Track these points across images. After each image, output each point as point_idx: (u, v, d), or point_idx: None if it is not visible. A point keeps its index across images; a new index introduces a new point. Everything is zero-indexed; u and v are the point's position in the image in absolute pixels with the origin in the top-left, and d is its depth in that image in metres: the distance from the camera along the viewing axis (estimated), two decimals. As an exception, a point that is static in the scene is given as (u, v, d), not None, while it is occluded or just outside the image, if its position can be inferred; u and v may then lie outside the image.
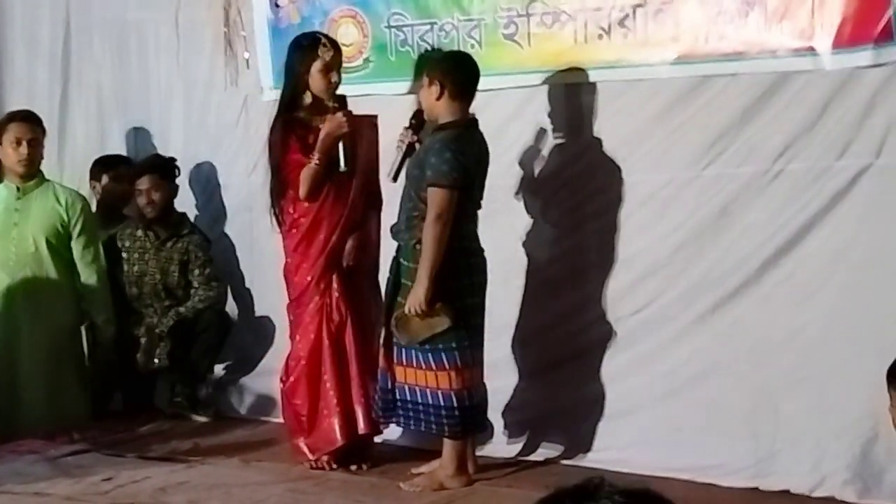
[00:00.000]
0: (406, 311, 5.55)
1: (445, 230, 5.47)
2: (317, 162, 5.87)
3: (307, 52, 5.99)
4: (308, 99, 5.99)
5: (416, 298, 5.49)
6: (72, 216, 6.96)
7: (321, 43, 6.00)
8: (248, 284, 7.24)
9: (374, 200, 6.11)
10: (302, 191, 5.92)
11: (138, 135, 7.64)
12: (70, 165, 7.76)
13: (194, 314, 7.06)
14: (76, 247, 6.99)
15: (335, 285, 6.00)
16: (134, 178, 7.22)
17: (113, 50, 7.67)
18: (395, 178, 5.79)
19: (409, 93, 6.34)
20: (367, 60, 6.55)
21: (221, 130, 7.28)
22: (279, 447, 6.30)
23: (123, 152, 7.63)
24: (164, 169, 7.17)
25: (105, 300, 7.01)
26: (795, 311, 5.44)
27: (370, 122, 6.08)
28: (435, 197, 5.48)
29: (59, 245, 6.96)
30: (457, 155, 5.47)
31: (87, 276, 6.98)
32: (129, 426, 6.87)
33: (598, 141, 5.94)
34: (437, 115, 5.65)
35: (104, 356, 7.00)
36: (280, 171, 5.99)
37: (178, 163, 7.22)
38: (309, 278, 6.02)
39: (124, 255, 7.23)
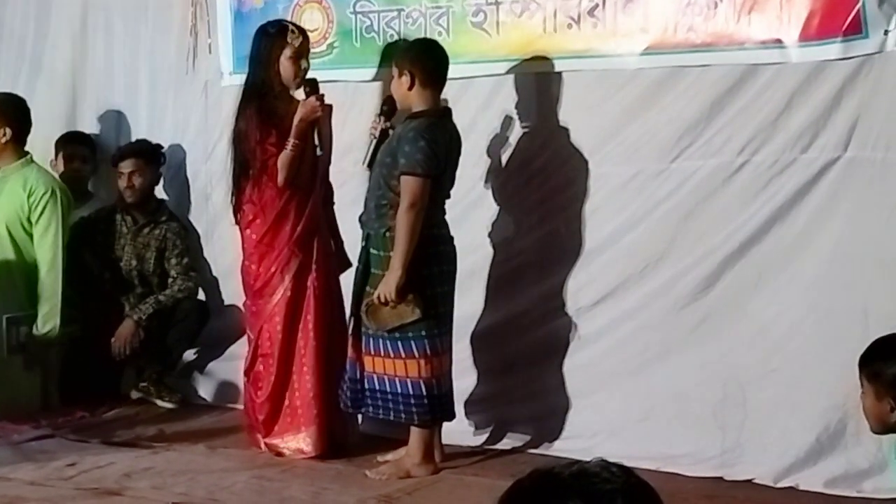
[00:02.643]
0: (376, 299, 5.55)
1: (419, 219, 5.46)
2: (293, 147, 5.84)
3: (275, 39, 5.93)
4: (279, 87, 5.95)
5: (388, 287, 5.48)
6: (32, 203, 6.84)
7: (289, 30, 5.96)
8: (213, 271, 7.20)
9: (330, 186, 6.14)
10: (281, 178, 5.86)
11: (104, 117, 7.57)
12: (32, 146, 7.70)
13: (173, 303, 7.00)
14: (35, 234, 6.89)
15: (314, 273, 5.98)
16: (118, 160, 7.12)
17: (77, 31, 7.58)
18: (369, 166, 5.76)
19: (375, 80, 6.34)
20: (331, 46, 6.52)
21: (183, 115, 7.23)
22: (245, 434, 6.28)
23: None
24: (150, 154, 7.08)
25: (50, 293, 6.86)
26: (763, 304, 5.48)
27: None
28: (408, 185, 5.46)
29: (16, 231, 6.87)
30: (430, 144, 5.46)
31: (40, 265, 6.87)
32: (95, 411, 6.85)
33: (566, 131, 5.95)
34: (409, 104, 5.63)
35: (34, 348, 6.88)
36: (253, 159, 5.90)
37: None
38: (274, 268, 5.98)
39: (99, 237, 7.15)
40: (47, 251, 6.87)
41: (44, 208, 6.86)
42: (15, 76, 7.77)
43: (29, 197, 6.84)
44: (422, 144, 5.45)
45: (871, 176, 5.21)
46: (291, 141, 5.83)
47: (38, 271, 6.86)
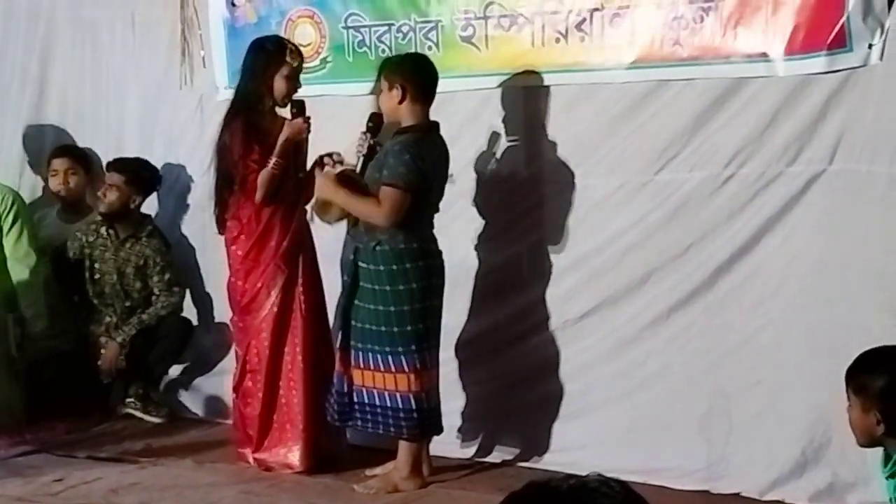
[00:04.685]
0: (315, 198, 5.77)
1: (388, 224, 5.47)
2: (274, 166, 5.85)
3: (274, 56, 5.92)
4: (270, 103, 5.95)
5: (324, 194, 5.69)
6: (3, 212, 6.90)
7: (288, 48, 5.96)
8: (206, 286, 7.16)
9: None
10: (259, 195, 5.87)
11: (92, 132, 7.54)
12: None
13: (157, 321, 6.98)
14: (7, 242, 6.93)
15: (300, 288, 5.98)
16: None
17: (68, 47, 7.55)
18: None
19: (371, 93, 6.34)
20: (324, 61, 6.53)
21: (177, 129, 7.21)
22: (232, 448, 6.27)
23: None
24: (128, 173, 6.99)
25: (35, 295, 6.92)
26: (749, 316, 5.49)
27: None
28: (388, 194, 5.45)
29: None
30: (416, 159, 5.46)
31: (19, 271, 6.91)
32: (82, 426, 6.82)
33: (554, 144, 5.95)
34: (398, 118, 5.63)
35: (32, 350, 6.94)
36: (236, 173, 5.91)
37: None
38: (259, 284, 5.98)
39: (87, 250, 7.13)
40: (24, 255, 6.94)
41: (15, 215, 6.95)
42: (3, 93, 7.77)
43: None
44: (406, 158, 5.45)
45: (855, 188, 5.20)
46: (274, 159, 5.83)
47: (19, 276, 6.90)
